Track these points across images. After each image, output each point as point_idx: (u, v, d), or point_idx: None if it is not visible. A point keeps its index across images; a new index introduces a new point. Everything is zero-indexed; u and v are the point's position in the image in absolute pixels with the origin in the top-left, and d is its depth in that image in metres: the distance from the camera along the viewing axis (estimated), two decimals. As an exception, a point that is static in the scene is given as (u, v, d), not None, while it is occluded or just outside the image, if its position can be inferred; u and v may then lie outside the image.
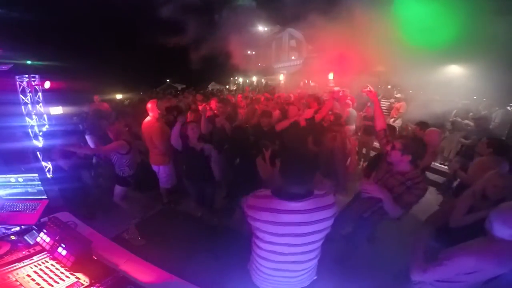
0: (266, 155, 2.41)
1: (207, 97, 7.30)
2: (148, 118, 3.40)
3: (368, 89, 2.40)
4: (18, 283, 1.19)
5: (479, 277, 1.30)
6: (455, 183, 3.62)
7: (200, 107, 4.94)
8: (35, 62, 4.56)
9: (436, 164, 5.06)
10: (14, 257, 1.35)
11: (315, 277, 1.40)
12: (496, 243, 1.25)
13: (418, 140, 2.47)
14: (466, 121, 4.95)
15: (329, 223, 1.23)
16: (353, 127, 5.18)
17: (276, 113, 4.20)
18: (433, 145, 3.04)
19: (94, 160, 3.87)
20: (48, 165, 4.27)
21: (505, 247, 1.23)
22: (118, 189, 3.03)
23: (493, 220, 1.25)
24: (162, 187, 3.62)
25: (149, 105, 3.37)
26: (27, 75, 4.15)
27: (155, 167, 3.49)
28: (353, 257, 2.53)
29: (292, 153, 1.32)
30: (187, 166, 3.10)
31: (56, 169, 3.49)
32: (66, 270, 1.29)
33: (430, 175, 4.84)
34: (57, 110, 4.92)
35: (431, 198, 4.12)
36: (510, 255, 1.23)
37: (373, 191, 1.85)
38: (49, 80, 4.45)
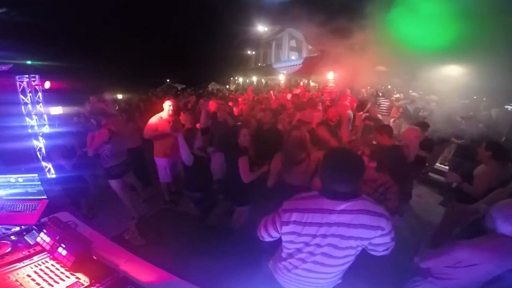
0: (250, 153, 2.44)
1: (206, 97, 7.30)
2: (161, 114, 3.44)
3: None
4: (18, 283, 1.19)
5: (477, 272, 1.31)
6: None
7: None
8: (35, 62, 4.56)
9: (437, 164, 5.06)
10: (14, 257, 1.35)
11: (340, 281, 1.38)
12: (496, 238, 1.29)
13: (388, 148, 2.47)
14: (458, 119, 4.99)
15: (375, 233, 1.14)
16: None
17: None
18: (411, 146, 3.00)
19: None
20: (48, 165, 4.27)
21: (504, 243, 1.27)
22: (111, 183, 3.06)
23: (496, 218, 1.30)
24: (162, 182, 3.64)
25: (167, 104, 3.43)
26: (27, 75, 4.15)
27: (155, 159, 3.57)
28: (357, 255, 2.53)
29: (337, 151, 1.29)
30: (187, 175, 2.91)
31: (57, 168, 3.49)
32: (66, 270, 1.29)
33: (430, 175, 4.86)
34: (57, 110, 4.91)
35: (431, 199, 4.13)
36: (508, 251, 1.26)
37: None
38: (49, 80, 4.45)
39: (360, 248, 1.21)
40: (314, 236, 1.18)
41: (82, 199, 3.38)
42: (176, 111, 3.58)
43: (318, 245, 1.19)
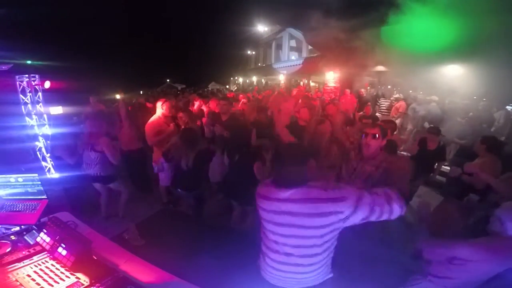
0: (266, 157, 2.41)
1: (207, 97, 7.29)
2: (155, 116, 3.42)
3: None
4: (18, 283, 1.19)
5: (477, 272, 1.31)
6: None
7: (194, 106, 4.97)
8: (35, 62, 4.56)
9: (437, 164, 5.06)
10: (14, 257, 1.35)
11: (331, 275, 1.35)
12: (504, 240, 1.29)
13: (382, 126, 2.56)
14: (459, 119, 4.99)
15: (327, 220, 1.14)
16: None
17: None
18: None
19: None
20: (48, 164, 4.27)
21: (508, 242, 1.27)
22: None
23: (507, 220, 1.28)
24: (161, 186, 3.63)
25: (159, 103, 3.41)
26: (27, 75, 4.14)
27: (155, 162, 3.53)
28: (358, 253, 2.53)
29: (285, 143, 1.35)
30: (176, 175, 2.91)
31: (60, 166, 3.46)
32: (66, 270, 1.29)
33: (430, 175, 4.85)
34: (57, 110, 4.91)
35: (431, 199, 4.13)
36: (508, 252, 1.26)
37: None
38: (49, 80, 4.45)
39: (329, 235, 1.18)
40: (273, 224, 1.22)
41: (85, 197, 3.37)
42: (170, 109, 3.56)
43: (277, 234, 1.22)
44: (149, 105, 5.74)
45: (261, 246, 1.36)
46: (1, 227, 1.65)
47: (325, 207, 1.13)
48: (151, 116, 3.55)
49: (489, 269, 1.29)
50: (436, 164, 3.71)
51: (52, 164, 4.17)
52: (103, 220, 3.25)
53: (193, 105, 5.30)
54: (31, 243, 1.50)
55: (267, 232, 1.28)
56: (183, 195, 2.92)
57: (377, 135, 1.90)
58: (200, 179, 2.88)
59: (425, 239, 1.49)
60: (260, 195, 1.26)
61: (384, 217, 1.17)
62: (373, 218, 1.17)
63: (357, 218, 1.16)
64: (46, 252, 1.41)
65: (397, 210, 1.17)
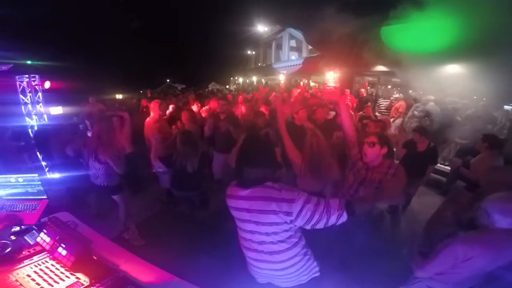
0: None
1: (207, 97, 7.29)
2: (152, 117, 3.41)
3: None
4: (18, 283, 1.19)
5: (474, 266, 1.32)
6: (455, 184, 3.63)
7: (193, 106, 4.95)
8: (35, 62, 4.57)
9: (437, 164, 5.06)
10: (14, 257, 1.35)
11: (317, 274, 1.39)
12: (491, 232, 1.31)
13: (383, 134, 2.55)
14: (458, 119, 4.99)
15: (279, 218, 1.20)
16: None
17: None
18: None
19: None
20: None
21: (499, 235, 1.28)
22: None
23: (493, 213, 1.30)
24: (162, 186, 3.62)
25: (151, 105, 3.38)
26: (27, 75, 4.15)
27: (154, 163, 3.50)
28: (355, 255, 2.54)
29: (251, 139, 1.40)
30: (177, 177, 2.87)
31: (59, 162, 3.38)
32: (66, 270, 1.29)
33: (431, 175, 4.86)
34: (57, 110, 4.92)
35: (431, 199, 4.13)
36: (504, 243, 1.27)
37: (368, 196, 1.94)
38: (49, 80, 4.46)
39: (284, 234, 1.24)
40: (239, 220, 1.34)
41: (90, 197, 3.34)
42: (164, 110, 3.54)
43: (243, 230, 1.33)
44: (144, 103, 5.64)
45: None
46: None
47: (275, 206, 1.20)
48: (146, 118, 3.55)
49: (485, 263, 1.30)
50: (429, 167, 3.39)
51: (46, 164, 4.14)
52: (103, 220, 3.25)
53: (192, 106, 5.28)
54: (31, 243, 1.50)
55: (238, 230, 1.39)
56: (186, 196, 2.92)
57: (374, 143, 1.98)
58: (202, 178, 2.91)
59: (414, 255, 1.50)
60: (227, 195, 1.37)
61: (319, 226, 1.22)
62: (309, 226, 1.22)
63: (300, 222, 1.21)
64: (46, 252, 1.41)
65: (333, 220, 1.21)
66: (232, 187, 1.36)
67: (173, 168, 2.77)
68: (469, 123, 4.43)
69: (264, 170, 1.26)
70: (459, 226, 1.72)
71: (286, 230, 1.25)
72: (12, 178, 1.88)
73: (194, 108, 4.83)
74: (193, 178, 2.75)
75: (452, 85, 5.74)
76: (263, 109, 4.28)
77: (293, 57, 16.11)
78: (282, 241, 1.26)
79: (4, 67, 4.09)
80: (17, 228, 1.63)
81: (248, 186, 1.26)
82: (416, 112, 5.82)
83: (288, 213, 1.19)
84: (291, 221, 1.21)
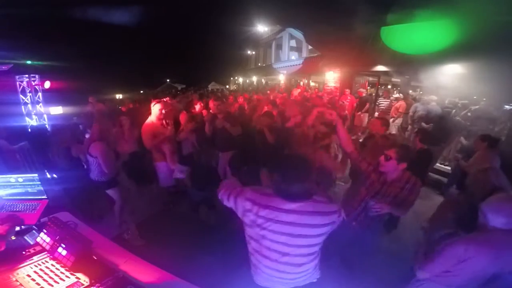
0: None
1: (207, 96, 7.28)
2: (150, 119, 3.40)
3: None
4: (18, 283, 1.19)
5: (474, 268, 1.32)
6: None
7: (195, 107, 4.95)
8: (35, 62, 4.57)
9: (437, 164, 5.06)
10: (14, 257, 1.35)
11: (315, 280, 1.40)
12: (488, 232, 1.33)
13: (406, 146, 2.52)
14: (458, 119, 4.98)
15: (326, 229, 1.26)
16: None
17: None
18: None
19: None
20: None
21: (495, 236, 1.31)
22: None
23: (486, 212, 1.34)
24: (162, 186, 3.62)
25: (152, 105, 3.37)
26: (27, 75, 4.15)
27: (155, 164, 3.51)
28: (356, 256, 2.54)
29: (291, 154, 1.39)
30: (193, 174, 2.93)
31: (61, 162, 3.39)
32: (66, 270, 1.29)
33: (430, 175, 4.86)
34: (57, 110, 4.92)
35: (431, 199, 4.13)
36: (502, 243, 1.29)
37: (383, 209, 1.89)
38: (49, 80, 4.46)
39: (317, 246, 1.30)
40: (267, 231, 1.26)
41: (89, 198, 3.32)
42: (168, 113, 3.51)
43: (272, 241, 1.27)
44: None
45: (250, 250, 1.39)
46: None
47: (326, 219, 1.25)
48: (146, 118, 3.53)
49: (484, 263, 1.31)
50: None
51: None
52: (103, 220, 3.25)
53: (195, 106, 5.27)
54: (31, 243, 1.51)
55: (258, 238, 1.30)
56: (206, 196, 2.89)
57: (389, 158, 1.93)
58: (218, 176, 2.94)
59: (416, 258, 1.51)
60: (256, 203, 1.27)
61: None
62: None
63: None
64: (46, 252, 1.41)
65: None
66: (269, 196, 1.28)
67: (199, 166, 2.76)
68: (477, 124, 4.44)
69: (311, 184, 1.26)
70: (459, 226, 1.73)
71: (320, 243, 1.30)
72: (12, 178, 1.88)
73: (197, 107, 4.84)
74: (217, 174, 2.78)
75: (452, 85, 5.75)
76: (267, 109, 4.29)
77: (293, 57, 16.11)
78: (311, 254, 1.30)
79: (4, 67, 4.09)
80: (17, 228, 1.63)
81: (297, 200, 1.23)
82: (416, 112, 5.81)
83: (334, 223, 1.27)
84: (331, 232, 1.27)
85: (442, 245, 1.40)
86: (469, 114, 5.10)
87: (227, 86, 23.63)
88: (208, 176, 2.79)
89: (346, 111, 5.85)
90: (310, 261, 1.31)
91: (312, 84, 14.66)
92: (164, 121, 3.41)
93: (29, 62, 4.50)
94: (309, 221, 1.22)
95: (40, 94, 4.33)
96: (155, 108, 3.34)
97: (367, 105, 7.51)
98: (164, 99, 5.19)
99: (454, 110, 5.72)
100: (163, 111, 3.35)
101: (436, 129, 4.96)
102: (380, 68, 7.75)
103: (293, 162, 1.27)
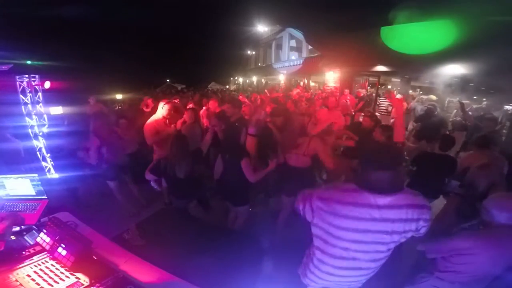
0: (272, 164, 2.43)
1: (207, 96, 7.27)
2: (156, 116, 3.40)
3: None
4: (18, 283, 1.19)
5: (478, 264, 1.33)
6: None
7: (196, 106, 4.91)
8: (35, 62, 4.57)
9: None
10: (14, 257, 1.35)
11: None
12: (493, 229, 1.37)
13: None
14: (458, 119, 4.98)
15: (419, 225, 1.12)
16: None
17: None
18: None
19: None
20: (48, 164, 4.27)
21: (501, 231, 1.33)
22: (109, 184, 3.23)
23: (490, 208, 1.38)
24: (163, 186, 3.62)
25: (162, 104, 3.39)
26: (27, 75, 4.14)
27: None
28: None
29: (378, 145, 1.32)
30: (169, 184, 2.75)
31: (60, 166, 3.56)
32: (66, 270, 1.29)
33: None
34: (57, 110, 4.92)
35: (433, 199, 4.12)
36: (506, 239, 1.31)
37: None
38: (49, 80, 4.45)
39: (401, 240, 1.18)
40: (350, 230, 1.13)
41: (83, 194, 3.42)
42: (175, 111, 3.52)
43: (354, 241, 1.15)
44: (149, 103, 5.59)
45: (314, 251, 1.30)
46: (1, 227, 1.65)
47: (419, 213, 1.11)
48: (148, 117, 3.53)
49: (487, 258, 1.32)
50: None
51: (52, 164, 4.17)
52: (103, 220, 3.24)
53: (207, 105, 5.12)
54: (31, 243, 1.50)
55: (329, 238, 1.19)
56: (185, 205, 2.84)
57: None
58: (198, 182, 2.76)
59: (422, 241, 1.51)
60: (335, 200, 1.14)
61: None
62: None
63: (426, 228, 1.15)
64: (46, 252, 1.41)
65: None
66: (350, 192, 1.13)
67: (164, 176, 2.60)
68: (485, 124, 4.43)
69: (400, 173, 1.16)
70: (462, 218, 1.77)
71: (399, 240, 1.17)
72: (12, 178, 1.88)
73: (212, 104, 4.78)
74: (186, 185, 2.55)
75: (451, 85, 5.75)
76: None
77: (293, 57, 16.11)
78: (390, 250, 1.19)
79: (4, 67, 4.08)
80: (17, 228, 1.63)
81: (389, 193, 1.08)
82: (416, 112, 5.82)
83: (427, 220, 1.12)
84: (422, 226, 1.14)
85: (455, 233, 1.47)
86: (470, 113, 5.10)
87: (227, 86, 23.60)
88: (186, 185, 2.61)
89: (352, 110, 5.84)
90: (382, 259, 1.22)
91: (312, 84, 14.66)
92: (167, 120, 3.42)
93: (29, 62, 4.50)
94: (401, 216, 1.09)
95: (40, 94, 4.32)
96: (164, 108, 3.36)
97: (361, 104, 7.51)
98: (175, 101, 5.16)
99: (455, 110, 5.73)
100: (172, 112, 3.40)
101: (427, 126, 4.97)
102: (380, 68, 7.75)
103: (383, 152, 1.14)
